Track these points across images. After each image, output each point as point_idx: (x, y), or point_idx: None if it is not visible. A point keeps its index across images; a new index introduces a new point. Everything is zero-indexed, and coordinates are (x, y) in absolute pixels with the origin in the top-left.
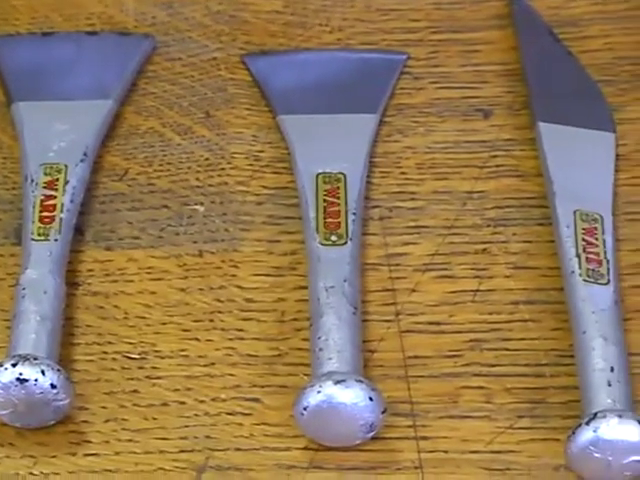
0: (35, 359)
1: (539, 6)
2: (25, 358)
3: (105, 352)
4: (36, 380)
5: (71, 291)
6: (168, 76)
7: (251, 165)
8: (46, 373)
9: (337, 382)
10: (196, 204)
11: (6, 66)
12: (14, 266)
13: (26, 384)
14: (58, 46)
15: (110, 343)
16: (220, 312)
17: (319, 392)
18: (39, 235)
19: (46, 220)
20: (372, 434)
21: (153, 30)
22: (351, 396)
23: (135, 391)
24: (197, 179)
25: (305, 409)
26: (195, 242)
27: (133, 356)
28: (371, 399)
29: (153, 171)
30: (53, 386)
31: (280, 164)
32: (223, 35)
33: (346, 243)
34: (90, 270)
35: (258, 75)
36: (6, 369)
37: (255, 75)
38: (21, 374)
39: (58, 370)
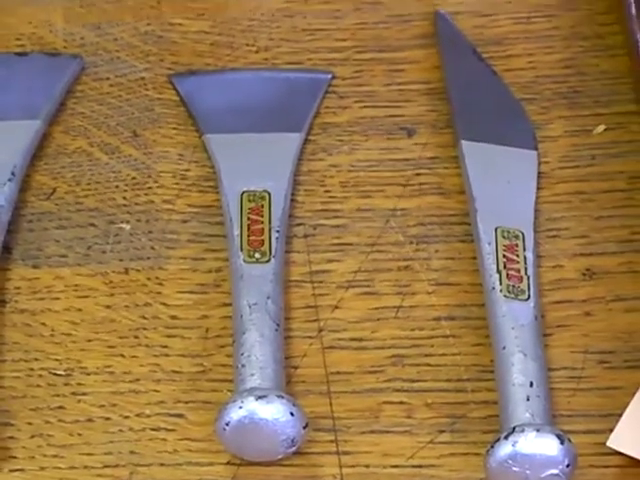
0: None
1: (463, 25)
2: None
3: (31, 369)
4: None
5: None
6: (96, 96)
7: (177, 184)
8: None
9: (258, 398)
10: (122, 222)
11: None
12: None
13: None
14: None
15: (36, 360)
16: (145, 329)
17: (240, 407)
18: None
19: None
20: (294, 449)
21: (82, 51)
22: (272, 411)
23: (61, 407)
24: (124, 198)
25: (227, 424)
26: (121, 260)
27: (59, 372)
28: (292, 414)
29: (81, 190)
30: None
31: (206, 182)
32: (151, 55)
33: (269, 260)
34: (17, 288)
35: (185, 94)
36: None
37: (182, 94)
38: None
39: None
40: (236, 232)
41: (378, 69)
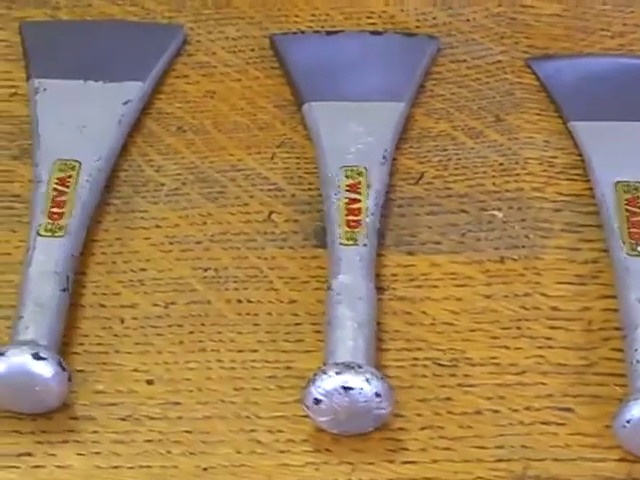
0: (360, 367)
1: None
2: (349, 366)
3: (415, 358)
4: (361, 389)
5: (377, 296)
6: (455, 78)
7: (545, 171)
8: (371, 382)
9: None
10: (494, 209)
11: (294, 65)
12: (317, 269)
13: (350, 392)
14: (344, 45)
15: (419, 349)
16: (527, 319)
17: None
18: (347, 240)
19: (353, 224)
20: None
21: (435, 31)
22: None
23: (448, 398)
24: (493, 184)
25: (628, 422)
26: (496, 248)
27: (444, 363)
28: None
29: (449, 175)
30: (377, 395)
31: (574, 170)
32: (505, 38)
33: None
34: (394, 275)
35: (545, 79)
36: (330, 377)
37: (542, 79)
38: (346, 382)
39: (381, 378)
40: (615, 224)
41: None
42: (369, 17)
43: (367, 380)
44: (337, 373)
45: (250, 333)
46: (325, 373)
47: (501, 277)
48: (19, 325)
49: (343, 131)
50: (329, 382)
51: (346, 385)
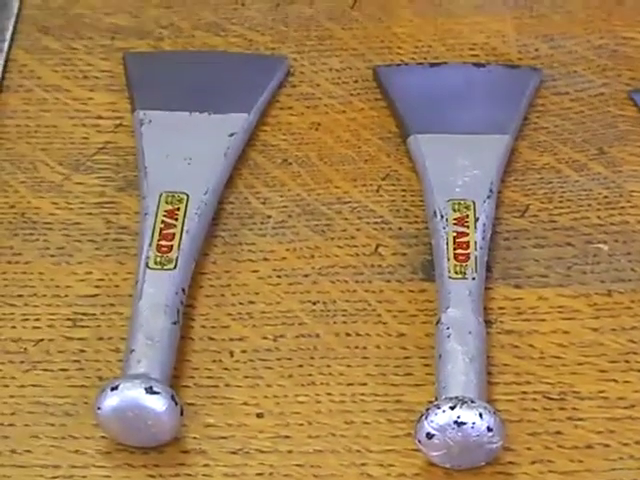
0: (472, 402)
1: None
2: (463, 401)
3: (524, 392)
4: (474, 423)
5: (486, 329)
6: (558, 111)
7: None
8: (483, 416)
9: None
10: (600, 242)
11: (398, 97)
12: (424, 302)
13: (463, 427)
14: (448, 77)
15: (528, 383)
16: (635, 353)
17: None
18: (456, 273)
19: (461, 258)
20: None
21: (537, 62)
22: None
23: (558, 432)
24: (598, 217)
25: None
26: (603, 281)
27: (553, 396)
28: None
29: (554, 208)
30: (489, 429)
31: None
32: (607, 70)
33: None
34: (501, 308)
35: None
36: (444, 412)
37: None
38: (459, 417)
39: (494, 413)
40: None
41: None
42: (471, 49)
43: (480, 415)
44: (451, 408)
45: (359, 366)
46: (439, 408)
47: (608, 310)
48: (131, 358)
49: (449, 164)
50: (442, 417)
51: (459, 420)
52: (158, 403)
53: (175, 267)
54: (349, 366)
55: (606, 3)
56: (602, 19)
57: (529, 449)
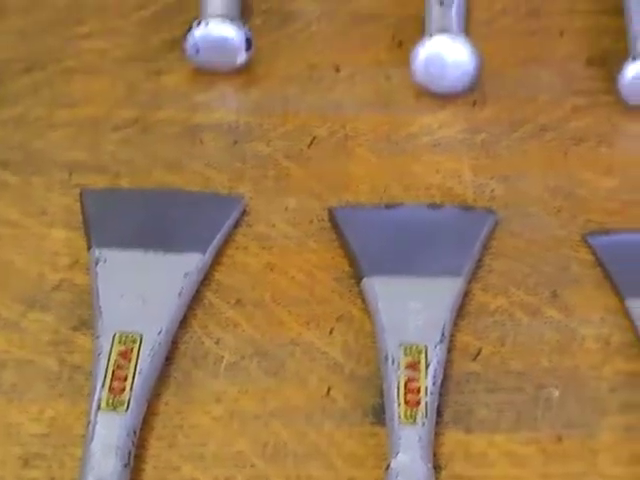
0: None
1: None
2: None
3: None
4: None
5: (435, 475)
6: (512, 253)
7: (602, 349)
8: None
9: None
10: (551, 387)
11: (353, 238)
12: (375, 446)
13: None
14: (403, 219)
15: None
16: None
17: None
18: (406, 418)
19: (412, 403)
20: None
21: (493, 203)
22: None
23: None
24: (550, 361)
25: None
26: (553, 427)
27: None
28: None
29: (506, 352)
30: None
31: (631, 349)
32: (563, 211)
33: None
34: (452, 453)
35: (602, 255)
36: None
37: (599, 254)
38: None
39: None
40: None
41: None
42: (427, 188)
43: None
44: None
45: None
46: None
47: (558, 456)
48: None
49: (402, 307)
50: None
51: None
52: None
53: (127, 409)
54: None
55: (563, 143)
56: (558, 159)
57: None
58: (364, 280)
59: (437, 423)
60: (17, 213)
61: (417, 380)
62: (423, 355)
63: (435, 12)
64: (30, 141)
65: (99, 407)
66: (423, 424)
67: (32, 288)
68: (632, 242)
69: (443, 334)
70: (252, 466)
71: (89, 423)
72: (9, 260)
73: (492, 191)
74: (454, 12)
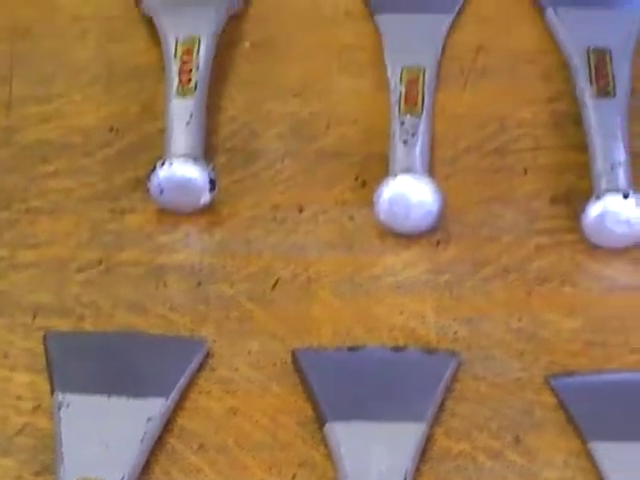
0: None
1: None
2: None
3: None
4: None
5: None
6: (474, 396)
7: None
8: None
9: None
10: None
11: (315, 382)
12: None
13: None
14: (365, 362)
15: None
16: None
17: None
18: None
19: None
20: None
21: (455, 345)
22: None
23: None
24: None
25: None
26: None
27: None
28: None
29: None
30: None
31: None
32: (525, 353)
33: None
34: None
35: (564, 398)
36: None
37: (561, 397)
38: None
39: None
40: None
41: None
42: (391, 330)
43: None
44: None
45: None
46: None
47: None
48: None
49: (365, 452)
50: None
51: None
52: None
53: None
54: None
55: (526, 283)
56: (522, 300)
57: None
58: (327, 425)
59: None
60: None
61: None
62: None
63: (399, 151)
64: None
65: None
66: None
67: None
68: (595, 384)
69: (405, 479)
70: None
71: None
72: None
73: (455, 333)
74: (418, 151)
